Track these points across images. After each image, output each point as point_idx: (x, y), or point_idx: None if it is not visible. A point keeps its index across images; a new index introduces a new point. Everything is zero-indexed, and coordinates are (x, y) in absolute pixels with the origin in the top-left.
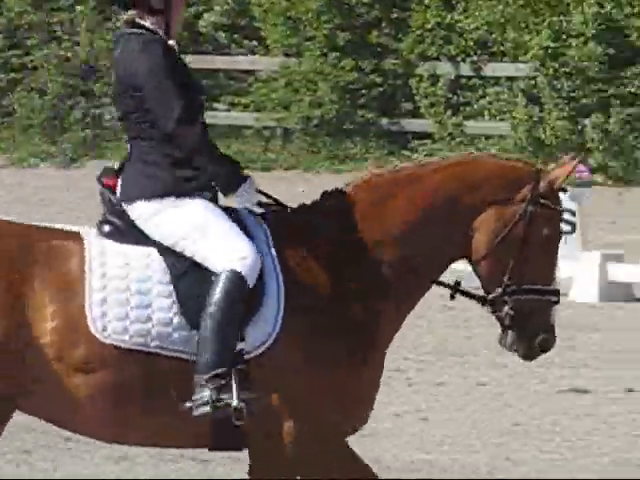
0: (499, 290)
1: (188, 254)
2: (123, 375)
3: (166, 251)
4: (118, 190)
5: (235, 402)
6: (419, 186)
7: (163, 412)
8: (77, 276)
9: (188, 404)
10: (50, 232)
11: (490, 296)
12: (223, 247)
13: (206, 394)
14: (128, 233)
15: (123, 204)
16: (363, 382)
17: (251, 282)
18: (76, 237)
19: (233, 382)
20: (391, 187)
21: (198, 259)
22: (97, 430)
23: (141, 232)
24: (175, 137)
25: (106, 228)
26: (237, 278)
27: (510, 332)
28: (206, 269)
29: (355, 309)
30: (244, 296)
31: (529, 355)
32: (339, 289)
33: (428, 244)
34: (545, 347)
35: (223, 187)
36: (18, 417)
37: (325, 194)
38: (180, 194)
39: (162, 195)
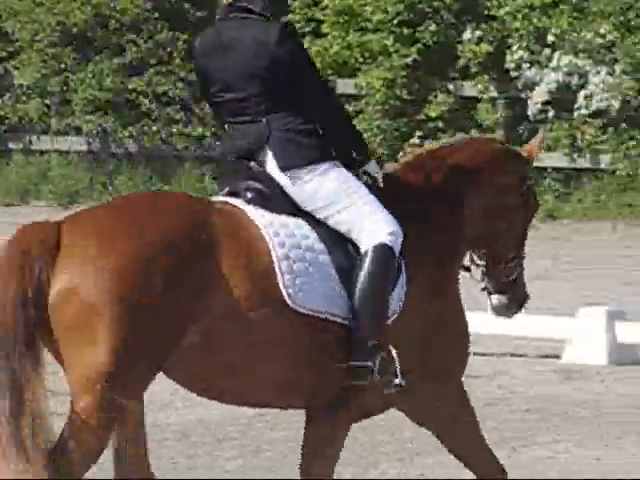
0: (507, 259)
1: (331, 223)
2: (304, 341)
3: (313, 220)
4: (269, 160)
5: (399, 380)
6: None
7: (327, 375)
8: (261, 247)
9: (352, 364)
10: (217, 204)
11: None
12: (371, 219)
13: (369, 363)
14: (277, 202)
15: (273, 173)
16: (467, 339)
17: (397, 254)
18: (238, 208)
19: (394, 354)
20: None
21: (343, 228)
22: (271, 398)
23: (289, 201)
24: (322, 107)
25: (256, 198)
26: (389, 251)
27: (504, 296)
28: (350, 240)
29: (447, 274)
30: (393, 268)
31: (515, 313)
32: (433, 256)
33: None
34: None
35: (357, 157)
36: None
37: (389, 175)
38: (327, 162)
39: (313, 162)
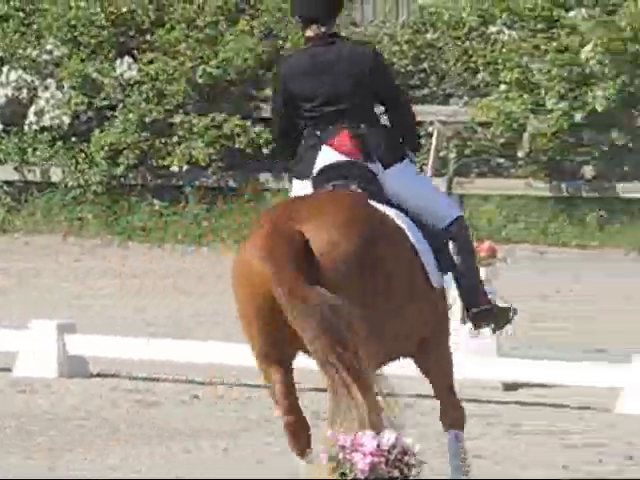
0: None
1: (412, 211)
2: (437, 308)
3: (402, 210)
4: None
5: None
6: None
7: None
8: (402, 235)
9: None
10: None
11: None
12: (441, 199)
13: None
14: (380, 197)
15: (375, 170)
16: None
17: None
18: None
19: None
20: None
21: (422, 215)
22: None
23: (384, 195)
24: (405, 113)
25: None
26: (465, 227)
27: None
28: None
29: None
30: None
31: None
32: None
33: None
34: None
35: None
36: None
37: None
38: (406, 159)
39: (402, 159)
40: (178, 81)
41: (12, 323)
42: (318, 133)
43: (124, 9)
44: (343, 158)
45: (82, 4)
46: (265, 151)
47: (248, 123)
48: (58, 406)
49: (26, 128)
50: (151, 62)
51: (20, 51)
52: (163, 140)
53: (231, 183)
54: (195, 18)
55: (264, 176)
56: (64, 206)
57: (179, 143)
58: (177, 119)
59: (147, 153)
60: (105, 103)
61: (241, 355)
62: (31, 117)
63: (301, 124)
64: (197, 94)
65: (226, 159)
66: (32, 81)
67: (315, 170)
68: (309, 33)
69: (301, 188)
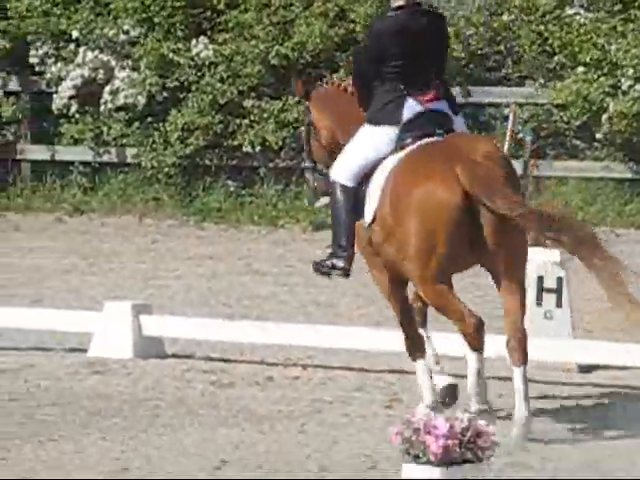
0: None
1: None
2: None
3: None
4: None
5: None
6: None
7: None
8: None
9: None
10: None
11: None
12: None
13: None
14: None
15: (452, 117)
16: None
17: None
18: None
19: None
20: None
21: None
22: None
23: None
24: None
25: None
26: None
27: None
28: None
29: None
30: None
31: None
32: None
33: None
34: None
35: None
36: None
37: None
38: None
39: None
40: (252, 63)
41: (88, 304)
42: (402, 87)
43: None
44: (429, 106)
45: None
46: None
47: None
48: (133, 387)
49: (102, 108)
50: (225, 43)
51: (97, 31)
52: (237, 122)
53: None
54: (269, 1)
55: None
56: (139, 186)
57: (252, 126)
58: (249, 102)
59: (220, 134)
60: (179, 83)
61: (316, 336)
62: (106, 97)
63: (381, 79)
64: (271, 76)
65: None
66: (108, 61)
67: (405, 118)
68: (400, 2)
69: (385, 132)
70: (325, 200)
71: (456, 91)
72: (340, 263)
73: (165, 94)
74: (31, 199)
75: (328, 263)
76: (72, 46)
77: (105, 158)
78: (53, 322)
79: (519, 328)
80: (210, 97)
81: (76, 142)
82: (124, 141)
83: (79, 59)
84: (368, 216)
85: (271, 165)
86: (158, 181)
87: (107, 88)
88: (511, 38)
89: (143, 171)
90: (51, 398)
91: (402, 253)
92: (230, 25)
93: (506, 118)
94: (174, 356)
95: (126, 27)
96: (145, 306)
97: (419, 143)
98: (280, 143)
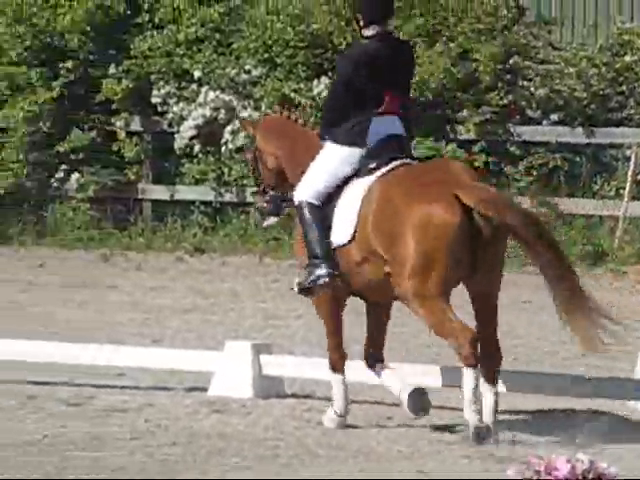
0: None
1: None
2: None
3: None
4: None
5: None
6: None
7: None
8: None
9: None
10: None
11: None
12: None
13: None
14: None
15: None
16: None
17: None
18: None
19: None
20: None
21: None
22: None
23: None
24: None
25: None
26: None
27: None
28: None
29: None
30: None
31: None
32: None
33: None
34: None
35: None
36: None
37: None
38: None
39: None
40: None
41: (208, 343)
42: (369, 111)
43: (320, 30)
44: (394, 130)
45: (278, 25)
46: None
47: (442, 144)
48: (253, 427)
49: (222, 148)
50: None
51: (218, 71)
52: None
53: None
54: None
55: None
56: (260, 226)
57: None
58: None
59: None
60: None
61: (435, 377)
62: (227, 136)
63: (350, 103)
64: None
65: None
66: (230, 101)
67: (370, 141)
68: (371, 32)
69: (350, 154)
70: (272, 220)
71: (578, 131)
72: (322, 271)
73: None
74: (152, 239)
75: (311, 277)
76: (194, 86)
77: (226, 198)
78: (173, 361)
79: (495, 340)
80: None
81: (197, 182)
82: (245, 181)
83: (201, 99)
84: (343, 236)
85: None
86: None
87: (228, 128)
88: (633, 79)
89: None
90: (171, 437)
91: (397, 271)
92: None
93: (628, 159)
94: (294, 396)
95: (248, 67)
96: (265, 346)
97: (393, 165)
98: None
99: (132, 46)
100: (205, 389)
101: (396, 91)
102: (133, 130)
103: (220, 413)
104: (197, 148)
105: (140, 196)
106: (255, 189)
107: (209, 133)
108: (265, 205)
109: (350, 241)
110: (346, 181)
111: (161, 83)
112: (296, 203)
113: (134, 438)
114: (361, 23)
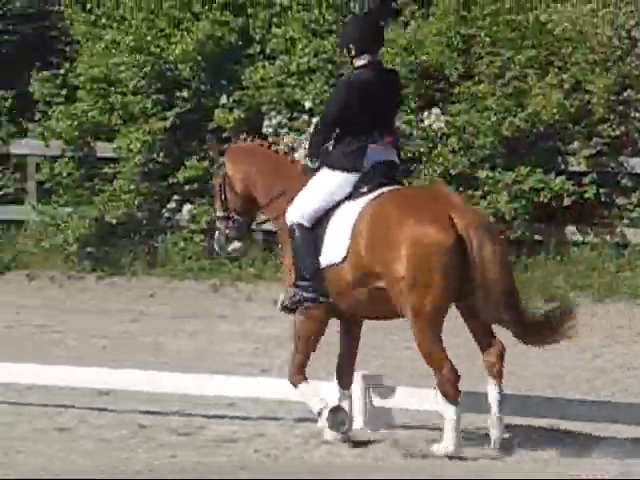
0: None
1: None
2: None
3: None
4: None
5: None
6: None
7: None
8: None
9: None
10: None
11: None
12: None
13: None
14: None
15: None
16: None
17: None
18: None
19: None
20: None
21: None
22: None
23: None
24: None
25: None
26: None
27: None
28: None
29: None
30: None
31: None
32: None
33: None
34: None
35: None
36: None
37: None
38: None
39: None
40: (484, 134)
41: (319, 374)
42: (363, 138)
43: (431, 61)
44: (385, 157)
45: (387, 56)
46: (566, 203)
47: (551, 177)
48: (362, 457)
49: None
50: (458, 114)
51: None
52: (469, 193)
53: (536, 236)
54: (503, 72)
55: (569, 229)
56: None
57: (484, 197)
58: (483, 173)
59: None
60: (411, 155)
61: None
62: None
63: (344, 130)
64: (503, 147)
65: (531, 213)
66: None
67: (365, 166)
68: (362, 62)
69: (345, 178)
70: (236, 245)
71: None
72: (308, 294)
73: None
74: (263, 269)
75: (297, 298)
76: (305, 116)
77: None
78: (283, 392)
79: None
80: (442, 168)
81: None
82: None
83: (311, 129)
84: (335, 256)
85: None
86: None
87: None
88: None
89: None
90: (281, 468)
91: (393, 289)
92: (463, 97)
93: None
94: (403, 427)
95: None
96: (375, 377)
97: (385, 190)
98: (513, 214)
99: (243, 77)
100: (315, 420)
101: (386, 118)
102: None
103: (330, 444)
104: None
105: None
106: (220, 214)
107: None
108: (231, 231)
109: (343, 260)
110: (336, 204)
111: (272, 113)
112: (288, 225)
113: (243, 468)
114: (352, 53)
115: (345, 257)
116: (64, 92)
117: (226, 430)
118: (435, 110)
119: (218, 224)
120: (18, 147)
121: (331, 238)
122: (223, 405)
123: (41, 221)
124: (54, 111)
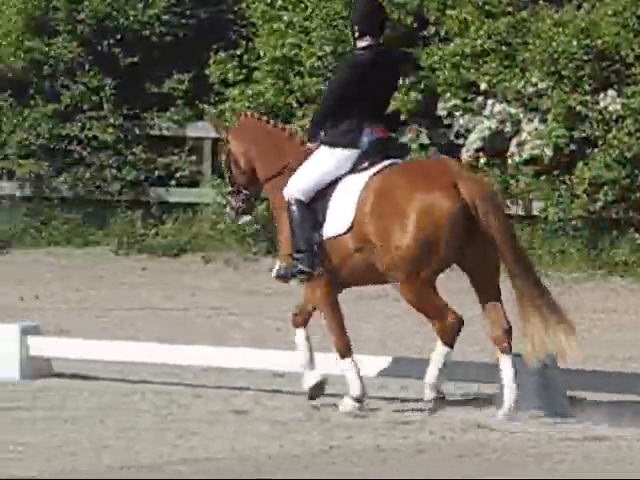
0: None
1: None
2: None
3: None
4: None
5: None
6: None
7: None
8: None
9: None
10: None
11: None
12: None
13: None
14: None
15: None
16: None
17: None
18: None
19: None
20: None
21: None
22: None
23: None
24: None
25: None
26: None
27: None
28: None
29: None
30: None
31: None
32: None
33: None
34: None
35: None
36: None
37: None
38: None
39: None
40: None
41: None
42: (361, 117)
43: (607, 43)
44: (382, 135)
45: (563, 38)
46: None
47: None
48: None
49: (509, 161)
50: (634, 96)
51: (505, 84)
52: None
53: None
54: None
55: None
56: (545, 239)
57: None
58: None
59: (627, 188)
60: (586, 137)
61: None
62: (513, 149)
63: (344, 109)
64: None
65: None
66: (516, 113)
67: (364, 143)
68: (364, 43)
69: (345, 155)
70: (246, 218)
71: None
72: (303, 266)
73: (572, 147)
74: None
75: (292, 269)
76: (480, 98)
77: (512, 211)
78: (458, 374)
79: (504, 322)
80: (617, 151)
81: None
82: (530, 195)
83: (487, 111)
84: (340, 227)
85: None
86: (565, 234)
87: (514, 140)
88: None
89: (549, 223)
90: (457, 450)
91: (392, 255)
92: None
93: None
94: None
95: (534, 79)
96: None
97: (388, 163)
98: None
99: (420, 59)
100: (491, 402)
101: (383, 100)
102: (422, 143)
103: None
104: (482, 161)
105: None
106: (230, 189)
107: (496, 145)
108: (240, 204)
109: (348, 230)
110: (338, 179)
111: (447, 95)
112: (285, 199)
113: (420, 451)
114: (356, 34)
115: (350, 227)
116: (243, 73)
117: (400, 413)
118: (611, 92)
119: (229, 198)
120: (194, 130)
121: (335, 210)
122: (396, 388)
123: (218, 203)
124: (231, 93)
